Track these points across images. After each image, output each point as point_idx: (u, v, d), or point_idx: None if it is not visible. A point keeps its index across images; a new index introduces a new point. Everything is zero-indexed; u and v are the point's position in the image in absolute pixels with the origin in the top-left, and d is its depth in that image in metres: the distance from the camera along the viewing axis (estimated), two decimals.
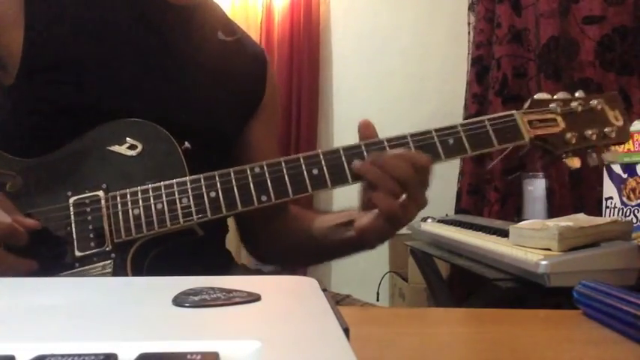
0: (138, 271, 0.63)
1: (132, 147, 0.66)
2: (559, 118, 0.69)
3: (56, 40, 0.70)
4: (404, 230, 1.70)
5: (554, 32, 1.52)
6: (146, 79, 0.74)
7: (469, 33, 1.96)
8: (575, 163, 0.69)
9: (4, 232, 0.58)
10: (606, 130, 0.69)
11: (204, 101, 0.79)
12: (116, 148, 0.66)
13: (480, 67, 1.81)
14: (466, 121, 0.68)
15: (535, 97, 0.71)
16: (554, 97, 0.71)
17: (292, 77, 2.81)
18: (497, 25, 1.71)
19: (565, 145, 0.69)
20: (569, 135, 0.68)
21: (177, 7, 0.78)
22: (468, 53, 1.96)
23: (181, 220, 0.63)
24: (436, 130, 0.66)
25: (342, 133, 2.81)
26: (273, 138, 0.93)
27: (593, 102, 0.70)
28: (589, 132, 0.68)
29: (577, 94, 0.71)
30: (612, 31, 1.42)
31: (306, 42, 2.83)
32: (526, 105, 0.71)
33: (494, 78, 1.71)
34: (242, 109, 0.85)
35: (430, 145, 0.66)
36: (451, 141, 0.66)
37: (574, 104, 0.69)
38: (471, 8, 1.95)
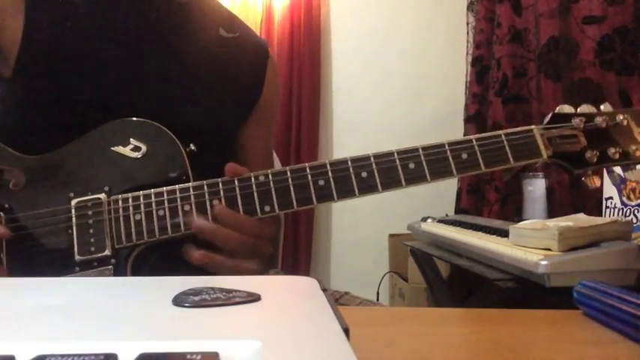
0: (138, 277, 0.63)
1: (136, 148, 0.65)
2: (580, 135, 0.65)
3: (54, 33, 0.70)
4: (404, 230, 1.69)
5: (554, 32, 1.52)
6: (145, 73, 0.74)
7: (468, 33, 1.96)
8: (595, 182, 0.65)
9: None
10: (630, 148, 0.64)
11: (205, 100, 0.78)
12: (120, 149, 0.65)
13: (480, 67, 1.81)
14: (481, 135, 0.65)
15: (557, 110, 0.67)
16: (578, 110, 0.67)
17: (292, 77, 2.81)
18: (498, 25, 1.71)
19: (585, 164, 0.65)
20: (589, 154, 0.65)
21: (177, 3, 0.78)
22: (467, 53, 1.96)
23: (182, 228, 0.62)
24: (449, 144, 0.64)
25: (342, 134, 2.81)
26: (267, 138, 0.92)
27: (619, 117, 0.65)
28: (612, 150, 0.64)
29: (603, 108, 0.67)
30: (612, 31, 1.42)
31: (307, 42, 2.82)
32: (546, 119, 0.67)
33: (494, 78, 1.71)
34: (240, 108, 0.85)
35: (442, 159, 0.63)
36: (465, 156, 0.63)
37: (598, 119, 0.65)
38: (469, 8, 1.95)
